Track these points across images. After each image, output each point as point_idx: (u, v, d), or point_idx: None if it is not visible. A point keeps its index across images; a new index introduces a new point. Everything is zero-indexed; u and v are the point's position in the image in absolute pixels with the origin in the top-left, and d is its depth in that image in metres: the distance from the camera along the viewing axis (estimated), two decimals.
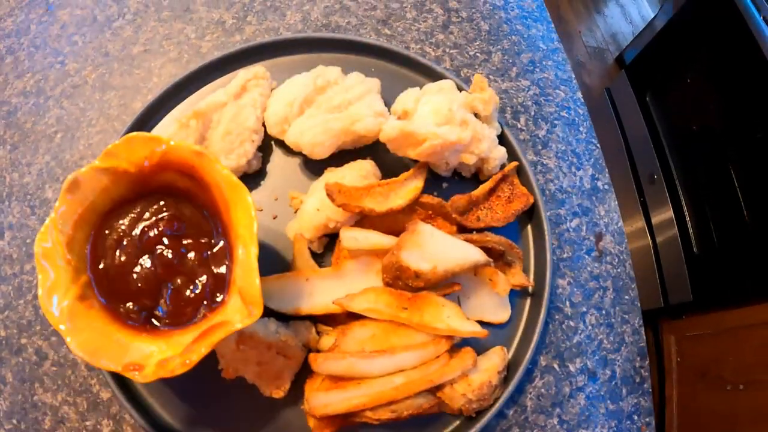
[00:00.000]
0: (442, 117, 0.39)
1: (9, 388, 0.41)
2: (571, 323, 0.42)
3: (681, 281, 1.13)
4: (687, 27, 1.33)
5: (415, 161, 0.42)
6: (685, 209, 1.17)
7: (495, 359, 0.36)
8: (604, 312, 0.43)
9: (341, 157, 0.42)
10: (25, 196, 0.48)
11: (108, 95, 0.49)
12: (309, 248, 0.39)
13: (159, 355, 0.32)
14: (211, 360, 0.36)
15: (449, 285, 0.36)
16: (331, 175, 0.39)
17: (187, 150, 0.33)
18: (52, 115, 0.49)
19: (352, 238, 0.34)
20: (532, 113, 0.53)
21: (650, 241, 1.27)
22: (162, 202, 0.37)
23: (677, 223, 1.18)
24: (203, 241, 0.35)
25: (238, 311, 0.30)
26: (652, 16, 1.52)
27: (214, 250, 0.35)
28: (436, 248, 0.34)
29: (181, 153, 0.34)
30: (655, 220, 1.28)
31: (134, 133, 0.35)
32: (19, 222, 0.47)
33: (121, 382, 0.38)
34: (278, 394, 0.35)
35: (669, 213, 1.21)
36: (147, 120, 0.44)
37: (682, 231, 1.17)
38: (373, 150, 0.43)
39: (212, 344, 0.30)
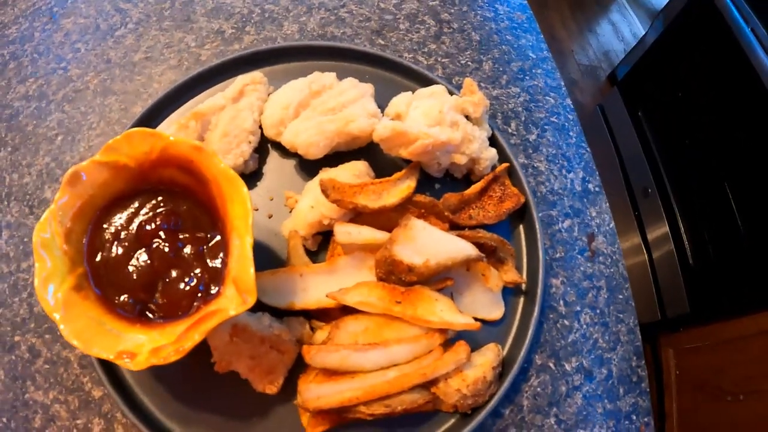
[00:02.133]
0: (433, 119, 0.41)
1: (0, 386, 0.41)
2: (566, 322, 0.43)
3: (678, 294, 1.14)
4: (677, 43, 1.37)
5: (407, 162, 0.44)
6: (680, 222, 1.19)
7: (489, 355, 0.37)
8: (598, 311, 0.44)
9: (335, 158, 0.44)
10: (24, 196, 0.49)
11: (109, 100, 0.51)
12: (303, 246, 0.40)
13: (152, 344, 0.32)
14: (203, 356, 0.37)
15: (442, 280, 0.37)
16: (326, 174, 0.41)
17: (186, 145, 0.35)
18: (54, 119, 0.50)
19: (346, 232, 0.36)
20: (523, 119, 0.55)
21: (646, 255, 1.28)
22: (160, 198, 0.38)
23: (672, 236, 1.20)
24: (199, 235, 0.36)
25: (232, 300, 0.31)
26: (643, 33, 1.57)
27: (210, 244, 0.36)
28: (428, 242, 0.35)
29: (180, 148, 0.35)
30: (651, 233, 1.29)
31: (135, 129, 0.36)
32: (17, 221, 0.48)
33: (114, 378, 0.39)
34: (271, 389, 0.36)
35: (664, 226, 1.23)
36: (147, 123, 0.46)
37: (677, 244, 1.18)
38: (366, 152, 0.45)
39: (206, 331, 0.30)
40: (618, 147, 1.47)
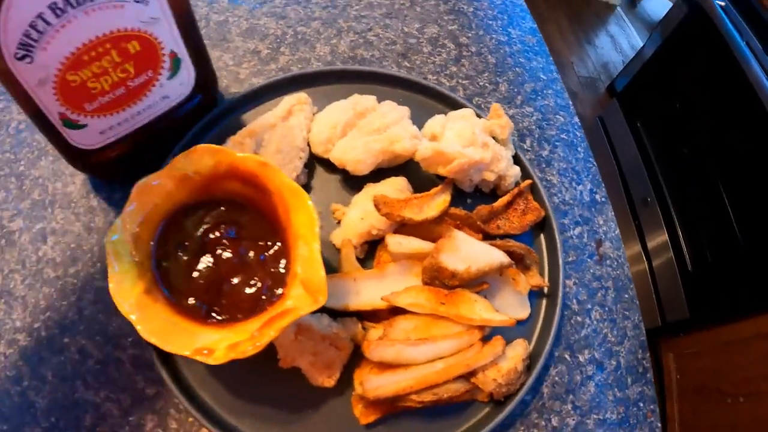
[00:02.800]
0: (467, 140, 0.49)
1: (48, 387, 0.44)
2: (579, 318, 0.51)
3: (677, 299, 1.24)
4: (674, 55, 1.47)
5: (441, 178, 0.52)
6: (679, 229, 1.29)
7: (519, 349, 0.45)
8: (606, 309, 0.53)
9: (376, 174, 0.51)
10: (69, 204, 0.52)
11: None
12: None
13: (226, 341, 0.38)
14: (258, 353, 0.42)
15: (479, 284, 0.45)
16: (372, 189, 0.49)
17: (253, 161, 0.42)
18: None
19: (397, 243, 0.43)
20: (536, 136, 0.64)
21: (646, 262, 1.38)
22: (222, 208, 0.44)
23: (671, 243, 1.31)
24: (261, 243, 0.43)
25: (302, 299, 0.38)
26: (641, 45, 1.68)
27: (271, 251, 0.43)
28: (469, 252, 0.43)
29: (246, 164, 0.42)
30: (650, 241, 1.40)
31: (202, 145, 0.42)
32: (62, 228, 0.51)
33: (173, 375, 0.43)
34: (329, 382, 0.42)
35: (663, 233, 1.34)
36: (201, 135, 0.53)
37: (676, 250, 1.29)
38: (403, 168, 0.53)
39: (281, 328, 0.37)
40: (618, 158, 1.58)
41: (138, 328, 0.37)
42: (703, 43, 1.30)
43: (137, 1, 0.39)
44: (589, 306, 0.53)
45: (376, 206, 0.44)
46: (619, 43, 2.03)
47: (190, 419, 0.44)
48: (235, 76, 0.62)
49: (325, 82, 0.58)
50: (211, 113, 0.53)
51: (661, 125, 1.46)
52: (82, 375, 0.45)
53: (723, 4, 1.27)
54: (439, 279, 0.43)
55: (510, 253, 0.46)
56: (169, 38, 0.44)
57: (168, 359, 0.44)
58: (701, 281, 1.19)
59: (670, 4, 1.59)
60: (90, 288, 0.48)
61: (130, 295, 0.38)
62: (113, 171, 0.52)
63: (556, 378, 0.49)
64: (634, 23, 2.14)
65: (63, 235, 0.51)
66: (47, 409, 0.43)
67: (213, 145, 0.42)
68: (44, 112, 0.41)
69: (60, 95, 0.40)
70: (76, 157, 0.48)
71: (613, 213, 0.60)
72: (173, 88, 0.48)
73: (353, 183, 0.52)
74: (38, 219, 0.51)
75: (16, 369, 0.45)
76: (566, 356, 0.50)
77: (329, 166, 0.52)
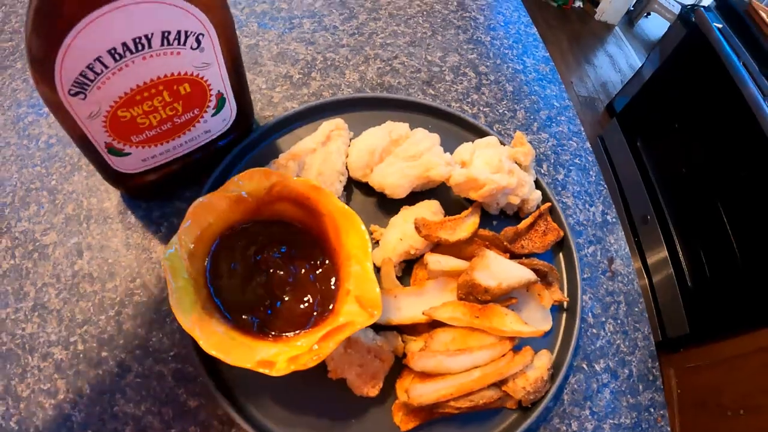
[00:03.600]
0: (494, 167, 0.55)
1: (85, 400, 0.45)
2: (594, 330, 0.58)
3: (677, 315, 1.31)
4: (672, 74, 1.57)
5: (468, 201, 0.58)
6: (678, 246, 1.37)
7: (544, 359, 0.51)
8: (619, 321, 0.59)
9: (410, 197, 0.57)
10: (105, 219, 0.54)
11: None
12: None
13: (284, 354, 0.42)
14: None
15: (508, 299, 0.51)
16: (408, 212, 0.54)
17: (306, 185, 0.47)
18: None
19: (436, 261, 0.49)
20: (552, 161, 0.71)
21: (646, 279, 1.46)
22: (273, 228, 0.49)
23: (671, 260, 1.38)
24: (311, 263, 0.48)
25: (358, 315, 0.43)
26: (640, 64, 1.78)
27: (320, 270, 0.48)
28: (499, 269, 0.49)
29: (299, 187, 0.47)
30: (650, 258, 1.48)
31: (257, 168, 0.47)
32: (99, 243, 0.53)
33: (219, 385, 0.46)
34: (373, 392, 0.47)
35: (663, 250, 1.42)
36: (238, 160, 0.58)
37: (676, 267, 1.37)
38: (435, 192, 0.59)
39: (339, 341, 0.41)
40: (618, 176, 1.67)
41: (201, 342, 0.39)
42: (700, 64, 1.39)
43: (193, 48, 0.43)
44: (603, 319, 0.59)
45: (417, 228, 0.49)
46: (618, 62, 2.15)
47: (233, 430, 0.46)
48: (269, 100, 0.68)
49: (358, 108, 0.64)
50: (247, 139, 0.59)
51: (660, 144, 1.55)
52: (122, 388, 0.46)
53: (720, 26, 1.38)
54: (473, 294, 0.49)
55: (535, 271, 0.52)
56: (218, 80, 0.48)
57: (213, 371, 0.47)
58: (701, 297, 1.27)
59: (667, 24, 1.70)
60: (129, 303, 0.51)
61: (190, 311, 0.41)
62: (150, 192, 0.56)
63: (575, 386, 0.55)
64: (632, 43, 2.26)
65: (100, 251, 0.53)
66: (84, 423, 0.44)
67: (268, 169, 0.47)
68: (91, 140, 0.43)
69: (109, 128, 0.44)
70: (114, 178, 0.51)
71: (623, 232, 0.67)
72: (215, 123, 0.53)
73: (389, 205, 0.58)
74: (73, 234, 0.53)
75: (50, 382, 0.46)
76: (584, 366, 0.56)
77: (365, 189, 0.58)
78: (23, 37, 0.42)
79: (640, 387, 0.57)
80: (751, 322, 1.08)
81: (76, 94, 0.38)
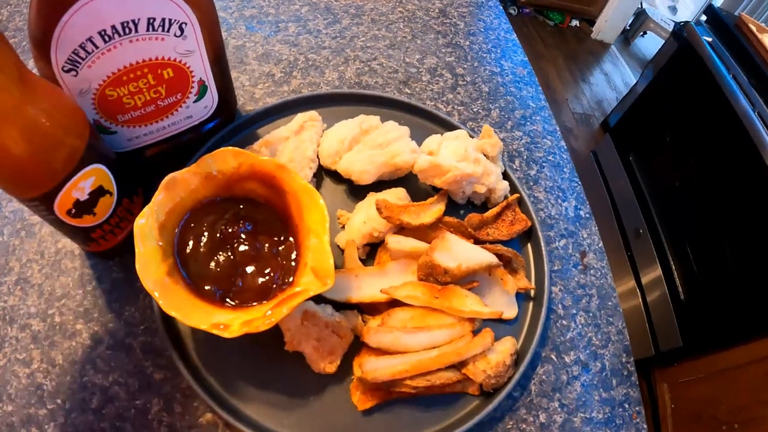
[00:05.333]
0: (460, 156, 0.57)
1: (57, 370, 0.47)
2: (564, 322, 0.58)
3: (670, 328, 1.30)
4: (664, 90, 1.60)
5: (436, 190, 0.60)
6: (671, 259, 1.37)
7: (507, 344, 0.51)
8: (591, 314, 0.59)
9: (378, 185, 0.59)
10: None
11: None
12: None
13: (240, 318, 0.43)
14: (265, 340, 0.47)
15: (470, 282, 0.52)
16: (374, 197, 0.56)
17: (271, 164, 0.49)
18: None
19: (397, 241, 0.50)
20: (525, 157, 0.73)
21: (639, 292, 1.45)
22: (241, 205, 0.51)
23: (664, 273, 1.38)
24: (274, 239, 0.50)
25: (312, 284, 0.44)
26: (634, 82, 1.82)
27: (283, 246, 0.50)
28: (460, 251, 0.50)
29: (266, 166, 0.49)
30: (643, 271, 1.47)
31: (227, 147, 0.49)
32: None
33: (183, 357, 0.47)
34: (331, 368, 0.48)
35: (655, 264, 1.42)
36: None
37: (668, 280, 1.36)
38: (403, 180, 0.61)
39: (292, 307, 0.42)
40: (611, 191, 1.68)
41: (160, 302, 0.41)
42: (692, 78, 1.42)
43: (177, 36, 0.47)
44: (574, 311, 0.59)
45: (378, 209, 0.51)
46: (613, 80, 2.19)
47: (195, 403, 0.48)
48: (251, 96, 0.71)
49: (334, 103, 0.67)
50: (228, 127, 0.62)
51: (653, 158, 1.57)
52: (93, 359, 0.48)
53: (710, 39, 1.41)
54: (433, 275, 0.50)
55: (498, 256, 0.53)
56: (200, 68, 0.52)
57: (178, 343, 0.49)
58: (694, 310, 1.26)
59: (662, 42, 1.74)
60: (106, 279, 0.53)
61: (154, 275, 0.43)
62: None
63: (543, 377, 0.55)
64: (628, 61, 2.31)
65: None
66: (55, 392, 0.46)
67: (237, 148, 0.50)
68: None
69: (97, 106, 0.48)
70: None
71: (596, 228, 0.68)
72: (197, 109, 0.57)
73: (357, 192, 0.60)
74: None
75: (26, 352, 0.48)
76: (553, 356, 0.56)
77: (336, 177, 0.60)
78: (25, 35, 0.45)
79: (614, 381, 0.57)
80: (744, 333, 1.07)
81: (69, 70, 0.42)
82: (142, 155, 0.57)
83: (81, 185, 0.44)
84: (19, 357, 0.48)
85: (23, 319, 0.50)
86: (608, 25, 2.66)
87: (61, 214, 0.44)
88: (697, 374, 1.13)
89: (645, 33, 2.87)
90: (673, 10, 2.83)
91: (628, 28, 2.83)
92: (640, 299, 1.41)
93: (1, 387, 0.46)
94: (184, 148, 0.59)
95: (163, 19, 0.44)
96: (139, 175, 0.55)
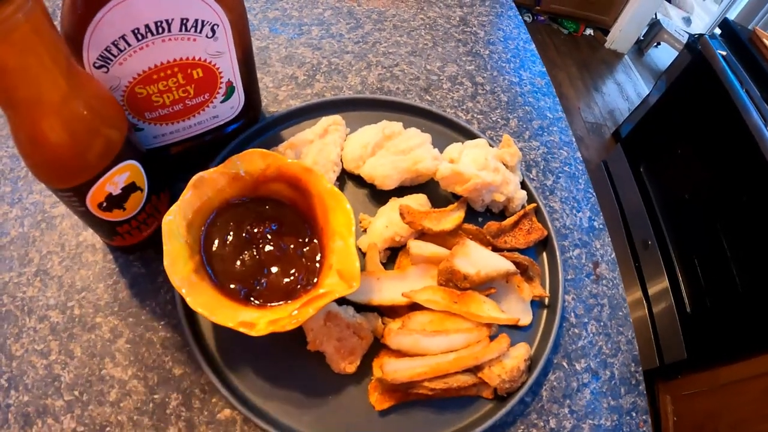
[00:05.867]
0: (480, 164, 0.59)
1: (76, 362, 0.47)
2: (576, 330, 0.60)
3: (675, 340, 1.31)
4: (677, 102, 1.60)
5: (456, 197, 0.61)
6: (678, 272, 1.38)
7: (522, 350, 0.53)
8: (602, 323, 0.61)
9: (400, 191, 0.61)
10: None
11: None
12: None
13: (266, 318, 0.44)
14: (286, 341, 0.48)
15: (487, 288, 0.53)
16: (396, 202, 0.58)
17: (298, 166, 0.51)
18: None
19: (418, 246, 0.52)
20: (541, 167, 0.74)
21: (645, 304, 1.46)
22: (267, 206, 0.52)
23: (671, 285, 1.39)
24: (299, 240, 0.51)
25: (338, 285, 0.46)
26: (647, 92, 1.82)
27: (308, 248, 0.51)
28: (479, 258, 0.52)
29: (292, 168, 0.50)
30: (650, 283, 1.48)
31: (255, 149, 0.50)
32: None
33: (204, 353, 0.48)
34: (350, 369, 0.50)
35: (662, 275, 1.43)
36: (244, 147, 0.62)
37: (675, 292, 1.37)
38: (424, 187, 0.62)
39: (319, 308, 0.44)
40: (620, 201, 1.69)
41: (188, 299, 0.42)
42: (704, 91, 1.43)
43: (208, 37, 0.48)
44: (586, 320, 0.61)
45: (401, 214, 0.53)
46: (626, 90, 2.20)
47: (214, 399, 0.49)
48: (274, 97, 0.73)
49: (357, 107, 0.68)
50: (252, 128, 0.63)
51: (663, 170, 1.58)
52: (112, 353, 0.48)
53: (725, 53, 1.42)
54: (452, 281, 0.51)
55: (516, 264, 0.55)
56: (228, 69, 0.54)
57: (199, 339, 0.50)
58: (699, 322, 1.27)
59: (676, 54, 1.75)
60: (127, 273, 0.54)
61: (181, 272, 0.44)
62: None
63: (555, 383, 0.56)
64: (641, 71, 2.32)
65: None
66: (72, 383, 0.46)
67: (264, 150, 0.51)
68: None
69: (126, 102, 0.49)
70: None
71: (609, 239, 0.69)
72: (224, 109, 0.58)
73: (378, 197, 0.61)
74: None
75: (44, 343, 0.48)
76: (564, 363, 0.57)
77: (358, 181, 0.62)
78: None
79: (622, 390, 0.58)
80: (749, 348, 1.08)
81: (100, 67, 0.43)
82: (169, 153, 0.59)
83: (115, 179, 0.45)
84: (37, 348, 0.49)
85: (42, 311, 0.51)
86: (622, 34, 2.67)
87: (92, 207, 0.45)
88: (701, 387, 1.14)
89: (659, 44, 2.88)
90: (688, 21, 2.84)
91: (642, 38, 2.84)
92: (647, 310, 1.42)
93: (18, 377, 0.47)
94: (207, 147, 0.61)
95: (196, 20, 0.45)
96: (166, 172, 0.56)
